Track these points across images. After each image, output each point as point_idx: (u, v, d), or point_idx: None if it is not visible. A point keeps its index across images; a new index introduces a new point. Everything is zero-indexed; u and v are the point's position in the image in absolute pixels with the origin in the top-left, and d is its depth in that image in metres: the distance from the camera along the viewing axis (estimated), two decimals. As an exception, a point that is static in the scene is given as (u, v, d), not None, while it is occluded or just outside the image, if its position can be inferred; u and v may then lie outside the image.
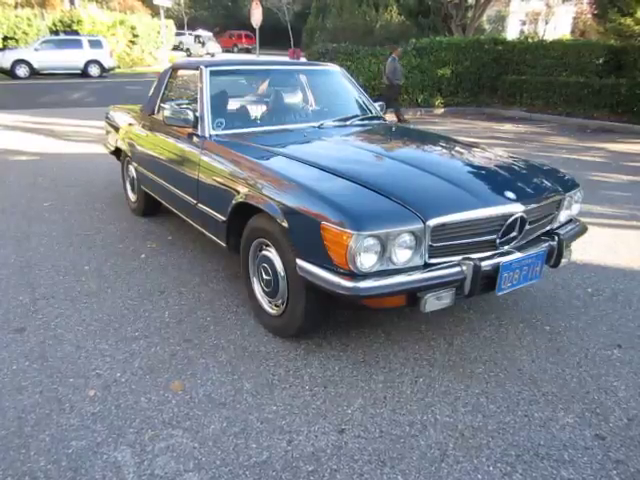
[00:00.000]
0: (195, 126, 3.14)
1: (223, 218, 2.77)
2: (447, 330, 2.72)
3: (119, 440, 1.91)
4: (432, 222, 2.09)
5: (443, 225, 2.12)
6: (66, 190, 5.25)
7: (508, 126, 10.70)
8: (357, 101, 3.79)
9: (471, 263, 2.14)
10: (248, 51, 36.69)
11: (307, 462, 1.83)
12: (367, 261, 2.03)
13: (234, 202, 2.62)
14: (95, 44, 18.01)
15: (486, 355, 2.50)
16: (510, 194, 2.32)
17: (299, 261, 2.23)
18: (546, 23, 33.68)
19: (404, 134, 3.57)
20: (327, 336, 2.62)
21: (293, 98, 3.67)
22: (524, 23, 34.62)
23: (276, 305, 2.59)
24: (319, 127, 3.28)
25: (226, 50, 37.05)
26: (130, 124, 4.21)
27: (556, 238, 2.47)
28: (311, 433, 1.97)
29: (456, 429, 2.00)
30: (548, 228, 2.59)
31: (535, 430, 2.00)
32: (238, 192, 2.61)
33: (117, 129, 4.52)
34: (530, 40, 13.73)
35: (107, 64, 18.37)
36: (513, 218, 2.29)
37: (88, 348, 2.50)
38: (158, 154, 3.58)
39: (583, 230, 2.78)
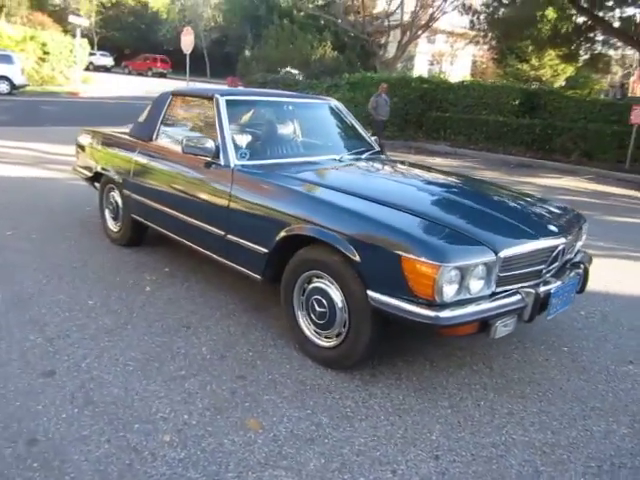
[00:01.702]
0: (216, 156, 3.10)
1: (264, 250, 2.74)
2: (481, 355, 2.87)
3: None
4: (503, 254, 2.25)
5: (511, 257, 2.28)
6: (24, 217, 4.84)
7: (439, 160, 11.42)
8: (359, 135, 3.93)
9: (532, 291, 2.32)
10: (163, 75, 35.89)
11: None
12: (450, 291, 2.14)
13: (282, 234, 2.62)
14: (4, 59, 16.76)
15: (526, 376, 2.68)
16: (554, 228, 2.55)
17: (371, 293, 2.28)
18: (451, 64, 36.55)
19: (424, 169, 3.73)
20: (375, 366, 2.66)
21: (307, 130, 3.74)
22: (431, 63, 37.21)
23: (327, 337, 2.60)
24: (340, 160, 3.37)
25: (139, 74, 35.99)
26: (118, 149, 4.02)
27: (582, 266, 2.73)
28: (409, 462, 2.00)
29: (535, 447, 2.14)
30: (569, 257, 2.85)
31: (601, 442, 2.19)
32: (286, 225, 2.61)
33: (97, 154, 4.28)
34: (441, 78, 14.86)
35: (17, 81, 17.14)
36: (558, 249, 2.52)
37: (138, 390, 2.35)
38: (166, 183, 3.46)
39: (590, 259, 3.09)
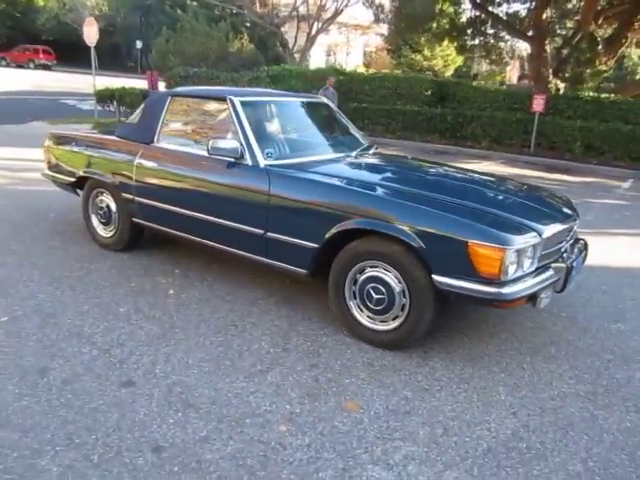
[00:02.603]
0: (241, 157, 3.17)
1: (314, 245, 2.90)
2: (500, 325, 3.26)
3: (358, 462, 2.00)
4: (544, 235, 2.62)
5: (548, 238, 2.66)
6: (24, 228, 4.53)
7: (366, 149, 11.90)
8: (353, 131, 4.15)
9: (564, 265, 2.73)
10: (47, 67, 33.05)
11: (519, 441, 2.17)
12: (511, 270, 2.47)
13: (335, 230, 2.78)
14: None
15: (546, 340, 3.11)
16: (569, 211, 2.98)
17: (437, 277, 2.55)
18: (347, 55, 37.60)
19: (432, 162, 4.05)
20: (422, 344, 2.94)
21: (313, 129, 3.88)
22: (328, 54, 37.96)
23: (383, 321, 2.83)
24: (355, 156, 3.58)
25: (18, 66, 32.81)
26: (111, 152, 3.88)
27: (582, 242, 3.21)
28: (495, 420, 2.31)
29: (581, 396, 2.54)
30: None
31: (627, 386, 2.65)
32: (338, 220, 2.78)
33: (79, 158, 4.09)
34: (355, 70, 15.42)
35: None
36: (574, 229, 2.95)
37: (227, 388, 2.42)
38: (184, 185, 3.44)
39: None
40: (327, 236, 2.83)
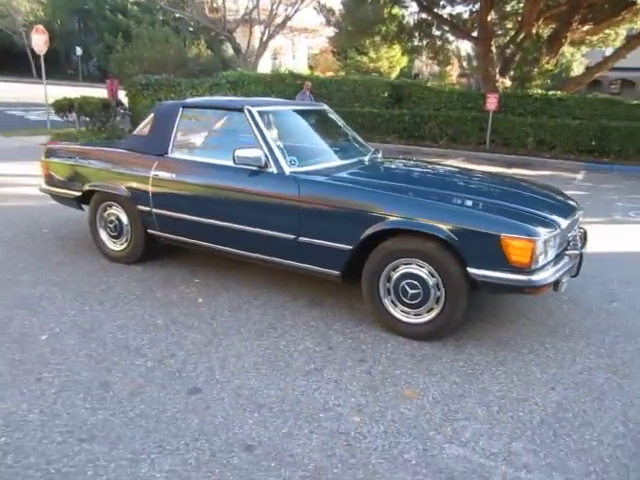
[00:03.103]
0: (265, 165, 3.29)
1: (348, 247, 3.06)
2: (515, 311, 3.53)
3: (434, 442, 2.18)
4: (562, 226, 2.89)
5: (564, 229, 2.94)
6: (21, 244, 4.44)
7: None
8: (356, 137, 4.34)
9: (577, 252, 3.02)
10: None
11: (565, 411, 2.42)
12: (540, 259, 2.72)
13: (371, 231, 2.96)
14: None
15: (559, 322, 3.40)
16: (574, 204, 3.29)
17: (472, 269, 2.77)
18: (293, 58, 37.84)
19: (440, 165, 4.30)
20: (454, 333, 3.14)
21: (323, 136, 4.02)
22: (274, 58, 38.04)
23: (417, 314, 3.03)
24: (370, 162, 3.76)
25: None
26: (123, 165, 3.89)
27: (582, 230, 3.53)
28: (539, 395, 2.55)
29: (604, 368, 2.83)
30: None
31: None
32: (373, 222, 2.96)
33: (86, 171, 4.07)
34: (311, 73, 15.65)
35: None
36: (580, 220, 3.26)
37: (290, 387, 2.54)
38: (207, 195, 3.51)
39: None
40: (362, 237, 2.99)
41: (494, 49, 15.41)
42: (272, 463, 2.03)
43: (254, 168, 3.32)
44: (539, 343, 3.09)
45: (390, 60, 31.76)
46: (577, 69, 24.91)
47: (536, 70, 13.20)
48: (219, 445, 2.11)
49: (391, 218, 2.91)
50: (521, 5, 16.65)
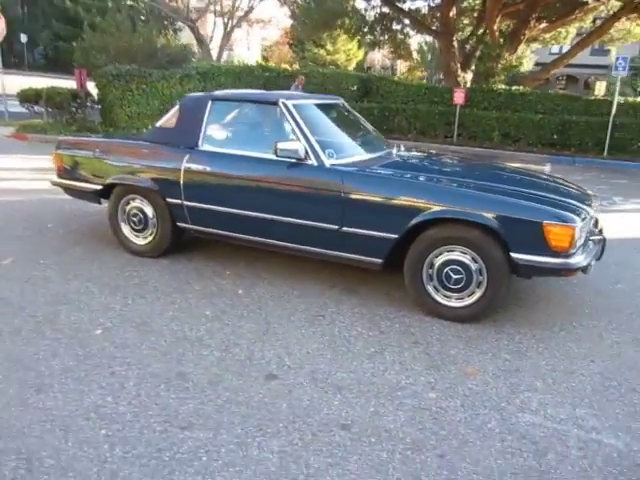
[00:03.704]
0: (305, 158, 3.39)
1: (393, 236, 3.21)
2: (536, 295, 3.79)
3: (508, 412, 2.38)
4: (590, 214, 3.16)
5: (591, 215, 3.21)
6: (9, 242, 4.29)
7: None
8: (373, 130, 4.48)
9: (602, 237, 3.30)
10: None
11: (610, 381, 2.67)
12: (578, 244, 2.97)
13: (415, 220, 3.12)
14: None
15: (578, 305, 3.69)
16: (591, 193, 3.56)
17: (515, 254, 2.98)
18: (248, 49, 37.44)
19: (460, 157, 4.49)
20: (489, 315, 3.35)
21: (350, 128, 4.13)
22: (229, 49, 37.52)
23: (459, 298, 3.22)
24: (398, 154, 3.92)
25: None
26: (149, 157, 3.87)
27: (595, 218, 3.82)
28: (582, 367, 2.79)
29: (632, 343, 3.12)
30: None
31: (655, 332, 3.29)
32: (418, 211, 3.12)
33: (107, 165, 4.02)
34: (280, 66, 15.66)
35: None
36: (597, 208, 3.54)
37: (360, 369, 2.67)
38: (246, 188, 3.56)
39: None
40: (408, 226, 3.15)
41: (455, 44, 15.91)
42: (372, 439, 2.16)
43: (293, 160, 3.40)
44: (567, 322, 3.35)
45: (347, 53, 32.06)
46: (527, 65, 26.01)
47: (500, 66, 13.71)
48: (316, 426, 2.22)
49: (437, 208, 3.08)
50: (477, 2, 17.32)
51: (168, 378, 2.52)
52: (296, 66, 26.13)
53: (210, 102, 3.82)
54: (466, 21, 18.93)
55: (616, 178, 9.64)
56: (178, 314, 3.19)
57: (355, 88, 14.23)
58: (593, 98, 12.65)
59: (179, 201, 3.78)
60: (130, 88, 10.80)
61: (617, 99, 11.36)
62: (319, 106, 4.03)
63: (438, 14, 17.42)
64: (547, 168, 10.29)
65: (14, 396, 2.32)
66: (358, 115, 4.50)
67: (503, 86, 13.40)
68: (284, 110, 3.55)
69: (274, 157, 3.44)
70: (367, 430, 2.21)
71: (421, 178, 3.30)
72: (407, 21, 18.25)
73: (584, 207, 3.18)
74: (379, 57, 43.91)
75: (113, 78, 10.65)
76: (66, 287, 3.49)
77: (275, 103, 3.60)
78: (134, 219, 4.04)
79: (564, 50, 29.01)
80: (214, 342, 2.87)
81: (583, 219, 3.04)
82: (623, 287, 4.01)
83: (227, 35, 17.72)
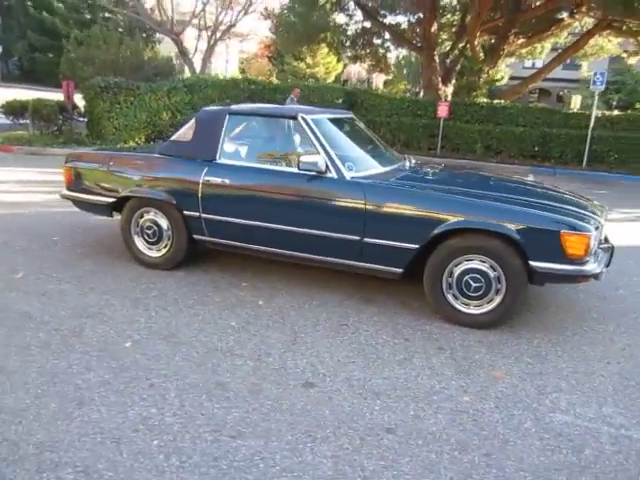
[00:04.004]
0: (325, 171, 3.47)
1: (414, 246, 3.31)
2: (549, 299, 3.93)
3: (541, 412, 2.48)
4: (601, 223, 3.31)
5: (602, 225, 3.37)
6: (16, 255, 4.25)
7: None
8: (383, 143, 4.59)
9: (610, 245, 3.46)
10: None
11: (628, 379, 2.80)
12: (592, 251, 3.12)
13: (437, 231, 3.22)
14: None
15: (588, 308, 3.84)
16: (601, 205, 3.73)
17: (533, 262, 3.11)
18: (227, 62, 37.53)
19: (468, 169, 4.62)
20: (505, 321, 3.47)
21: (363, 142, 4.23)
22: (209, 62, 37.51)
23: (477, 305, 3.33)
24: (413, 168, 4.04)
25: None
26: (167, 170, 3.91)
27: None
28: (603, 369, 2.92)
29: None
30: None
31: (662, 334, 3.45)
32: (439, 222, 3.23)
33: (121, 178, 4.04)
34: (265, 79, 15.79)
35: None
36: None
37: (393, 376, 2.74)
38: (264, 200, 3.62)
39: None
40: (430, 236, 3.25)
41: (437, 58, 16.31)
42: (418, 441, 2.23)
43: (313, 173, 3.48)
44: (578, 326, 3.49)
45: (326, 66, 32.43)
46: (502, 79, 26.72)
47: (482, 80, 14.10)
48: (362, 430, 2.28)
49: (459, 218, 3.19)
50: (456, 17, 17.81)
51: (208, 388, 2.54)
52: (274, 79, 26.33)
53: (227, 116, 3.87)
54: (444, 36, 19.40)
55: (597, 188, 9.98)
56: (204, 325, 3.21)
57: (340, 101, 14.42)
58: (572, 112, 13.13)
59: (197, 214, 3.81)
60: (118, 100, 10.74)
61: (595, 112, 11.79)
62: (333, 120, 4.12)
63: (418, 29, 17.91)
64: (530, 178, 10.58)
65: (57, 410, 2.32)
66: (368, 130, 4.61)
67: (485, 99, 13.75)
68: (304, 124, 3.63)
69: (295, 170, 3.52)
70: (412, 433, 2.28)
71: (441, 190, 3.41)
72: (388, 36, 18.69)
73: (596, 217, 3.33)
74: (355, 70, 44.58)
75: (101, 90, 10.58)
76: (85, 300, 3.48)
77: (294, 117, 3.68)
78: (148, 231, 4.05)
79: (537, 65, 30.06)
80: (246, 352, 2.91)
81: (596, 228, 3.19)
82: (624, 292, 4.19)
83: (211, 48, 17.78)
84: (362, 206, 3.37)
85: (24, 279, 3.81)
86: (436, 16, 15.53)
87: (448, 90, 16.36)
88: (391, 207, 3.34)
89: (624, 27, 13.52)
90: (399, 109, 14.23)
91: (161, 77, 12.18)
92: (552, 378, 2.80)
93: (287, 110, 3.95)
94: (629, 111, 14.13)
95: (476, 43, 15.03)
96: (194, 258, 4.24)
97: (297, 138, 3.71)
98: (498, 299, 3.26)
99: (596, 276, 3.24)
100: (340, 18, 18.26)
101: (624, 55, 18.52)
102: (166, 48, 21.72)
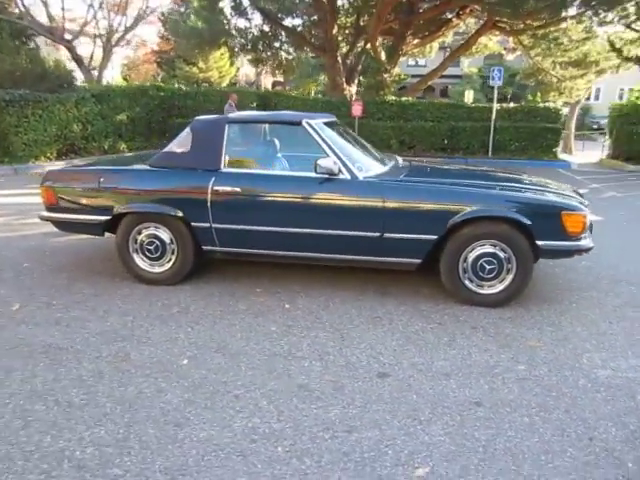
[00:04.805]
0: (337, 173, 3.62)
1: (433, 237, 3.56)
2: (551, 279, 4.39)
3: (588, 367, 2.84)
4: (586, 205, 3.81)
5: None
6: (17, 281, 3.89)
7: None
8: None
9: (591, 222, 3.98)
10: None
11: (633, 334, 3.29)
12: (587, 228, 3.58)
13: (454, 221, 3.50)
14: None
15: (588, 290, 4.35)
16: (576, 189, 4.25)
17: (540, 242, 3.51)
18: (112, 68, 35.53)
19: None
20: (516, 302, 3.83)
21: (356, 144, 4.37)
22: (93, 68, 35.22)
23: (490, 286, 3.66)
24: (407, 166, 4.29)
25: None
26: (165, 183, 3.80)
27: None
28: (609, 328, 3.38)
29: None
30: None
31: None
32: (455, 213, 3.51)
33: (114, 194, 3.86)
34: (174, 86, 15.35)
35: None
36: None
37: (451, 359, 2.97)
38: (280, 205, 3.66)
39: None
40: (446, 227, 3.52)
41: (340, 59, 16.90)
42: (507, 409, 2.47)
43: (326, 176, 3.60)
44: (570, 296, 3.96)
45: (220, 70, 31.88)
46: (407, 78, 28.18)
47: (390, 78, 14.84)
48: (455, 408, 2.48)
49: (473, 208, 3.49)
50: (350, 20, 18.53)
51: (293, 392, 2.59)
52: (160, 83, 25.39)
53: (227, 125, 3.85)
54: (340, 37, 20.08)
55: (508, 175, 11.00)
56: (247, 334, 3.21)
57: (254, 105, 14.42)
58: (474, 105, 14.27)
59: (207, 224, 3.75)
60: (25, 114, 9.88)
61: (495, 106, 12.97)
62: (327, 124, 4.23)
63: (314, 31, 18.42)
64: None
65: (159, 435, 2.25)
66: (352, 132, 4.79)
67: (394, 97, 14.50)
68: (309, 130, 3.73)
69: (308, 174, 3.62)
70: (497, 403, 2.52)
71: (450, 184, 3.69)
72: (289, 38, 18.93)
73: (579, 198, 3.81)
74: (243, 73, 44.24)
75: (6, 104, 9.67)
76: (108, 324, 3.31)
77: (299, 123, 3.76)
78: (149, 247, 3.91)
79: (419, 63, 32.01)
80: (305, 353, 2.97)
81: (586, 208, 3.65)
82: (588, 263, 4.77)
83: (107, 55, 16.82)
84: (381, 204, 3.55)
85: (23, 310, 3.51)
86: (336, 19, 16.06)
87: (352, 90, 17.03)
88: (409, 203, 3.56)
89: (508, 28, 14.98)
90: (313, 110, 14.52)
91: (65, 87, 11.36)
92: (576, 341, 3.19)
93: (290, 116, 4.00)
94: (522, 103, 15.61)
95: (377, 44, 15.78)
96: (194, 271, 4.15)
97: (301, 143, 3.79)
98: (510, 278, 3.61)
99: (589, 250, 3.70)
100: (240, 22, 18.21)
101: (503, 52, 20.52)
102: (49, 55, 20.11)
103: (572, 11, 12.71)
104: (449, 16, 16.41)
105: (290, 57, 20.17)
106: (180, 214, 3.76)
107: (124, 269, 4.04)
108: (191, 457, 2.11)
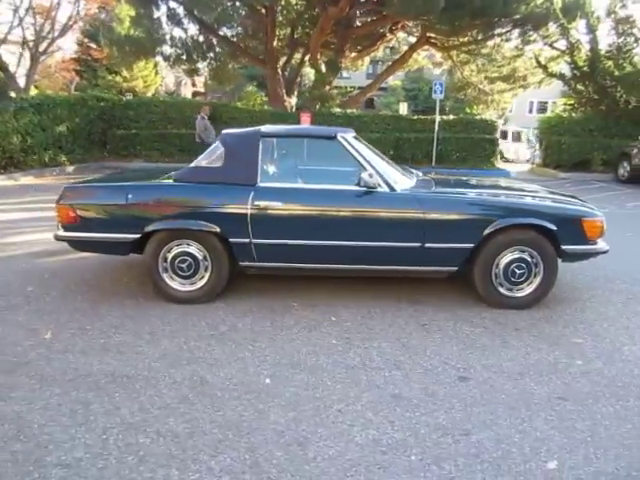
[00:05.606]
0: (376, 186, 3.74)
1: (471, 245, 3.76)
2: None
3: (620, 345, 3.14)
4: (595, 210, 4.18)
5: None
6: (7, 317, 3.55)
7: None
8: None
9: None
10: None
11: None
12: (604, 233, 3.93)
13: (490, 229, 3.70)
14: None
15: (595, 288, 4.72)
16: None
17: (564, 246, 3.81)
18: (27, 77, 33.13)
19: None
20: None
21: (381, 156, 4.43)
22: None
23: (519, 289, 3.92)
24: (432, 178, 4.47)
25: None
26: (203, 198, 3.72)
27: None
28: (626, 321, 3.74)
29: (628, 300, 4.22)
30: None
31: None
32: (490, 222, 3.72)
33: (148, 210, 3.71)
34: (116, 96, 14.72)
35: None
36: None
37: (505, 357, 3.16)
38: (323, 219, 3.70)
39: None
40: (482, 235, 3.73)
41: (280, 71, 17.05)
42: (589, 401, 2.68)
43: (365, 189, 3.69)
44: (583, 295, 4.30)
45: (145, 79, 30.88)
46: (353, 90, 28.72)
47: (335, 90, 15.12)
48: (545, 403, 2.65)
49: (506, 217, 3.72)
50: (284, 32, 18.72)
51: (388, 402, 2.64)
52: (75, 92, 24.15)
53: (261, 139, 3.82)
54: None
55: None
56: (312, 348, 3.21)
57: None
58: (417, 117, 14.88)
59: (246, 240, 3.70)
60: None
61: (438, 118, 13.64)
62: (357, 138, 4.29)
63: (250, 43, 18.46)
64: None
65: (289, 457, 2.21)
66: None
67: (339, 109, 14.80)
68: (345, 144, 3.80)
69: (348, 187, 3.70)
70: (578, 397, 2.72)
71: (481, 194, 3.91)
72: (225, 49, 18.74)
73: (594, 207, 4.18)
74: (163, 82, 42.98)
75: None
76: (162, 348, 3.17)
77: (334, 137, 3.82)
78: (181, 265, 3.78)
79: (344, 75, 32.84)
80: (380, 364, 3.03)
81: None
82: (583, 262, 5.19)
83: (34, 64, 15.71)
84: (421, 215, 3.69)
85: (58, 338, 3.28)
86: (275, 32, 16.17)
87: (292, 101, 17.22)
88: (448, 214, 3.73)
89: (439, 44, 15.84)
90: (261, 121, 14.46)
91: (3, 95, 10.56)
92: (610, 335, 3.50)
93: (324, 130, 4.04)
94: (461, 115, 16.49)
95: (318, 57, 16.08)
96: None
97: (337, 157, 3.85)
98: (537, 280, 3.88)
99: (605, 252, 4.03)
100: (176, 31, 17.78)
101: (430, 66, 21.64)
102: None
103: (502, 29, 13.70)
104: (382, 31, 17.08)
105: (226, 68, 20.04)
106: (217, 229, 3.68)
107: (154, 290, 3.88)
108: (334, 475, 2.11)
